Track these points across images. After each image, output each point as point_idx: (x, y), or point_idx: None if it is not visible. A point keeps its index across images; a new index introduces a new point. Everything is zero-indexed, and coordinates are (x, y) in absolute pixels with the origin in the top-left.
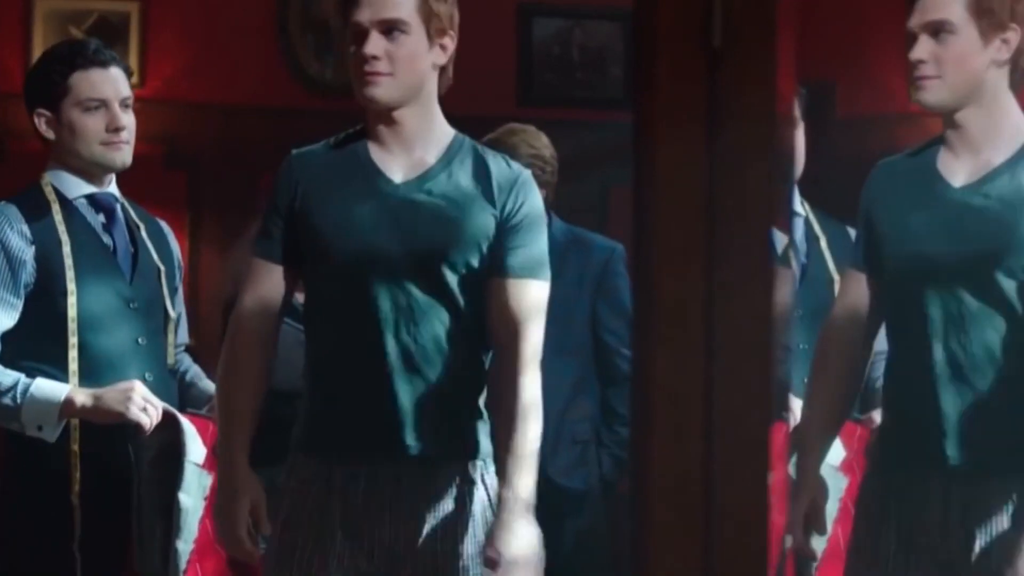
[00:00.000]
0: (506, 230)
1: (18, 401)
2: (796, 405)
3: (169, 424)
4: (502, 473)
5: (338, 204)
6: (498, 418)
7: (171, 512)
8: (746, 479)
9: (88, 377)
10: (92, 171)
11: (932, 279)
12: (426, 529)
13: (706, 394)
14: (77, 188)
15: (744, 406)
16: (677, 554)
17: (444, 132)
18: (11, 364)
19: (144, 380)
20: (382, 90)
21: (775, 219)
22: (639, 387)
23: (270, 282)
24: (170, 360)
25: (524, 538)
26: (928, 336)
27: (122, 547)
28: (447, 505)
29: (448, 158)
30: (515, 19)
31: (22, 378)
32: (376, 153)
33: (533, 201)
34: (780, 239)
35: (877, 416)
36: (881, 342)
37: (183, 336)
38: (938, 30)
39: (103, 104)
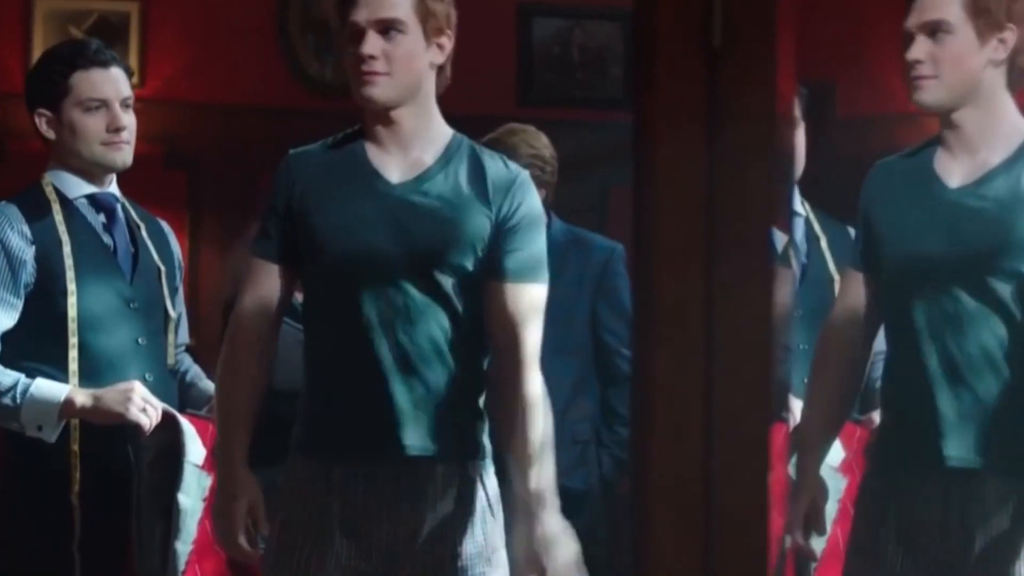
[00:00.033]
0: (503, 233)
1: (18, 401)
2: (796, 405)
3: (169, 425)
4: (517, 475)
5: (335, 204)
6: (502, 420)
7: (170, 513)
8: (746, 479)
9: (88, 377)
10: (93, 171)
11: (929, 280)
12: (425, 529)
13: (706, 394)
14: (78, 188)
15: (744, 406)
16: (677, 554)
17: (442, 132)
18: (11, 364)
19: (144, 380)
20: (379, 90)
21: (775, 219)
22: (639, 387)
23: (269, 282)
24: (170, 360)
25: (563, 542)
26: (925, 336)
27: (122, 547)
28: (446, 505)
29: (446, 159)
30: (515, 19)
31: (22, 378)
32: (373, 153)
33: (531, 202)
34: (780, 239)
35: (877, 417)
36: (881, 342)
37: (183, 336)
38: (935, 30)
39: (104, 104)
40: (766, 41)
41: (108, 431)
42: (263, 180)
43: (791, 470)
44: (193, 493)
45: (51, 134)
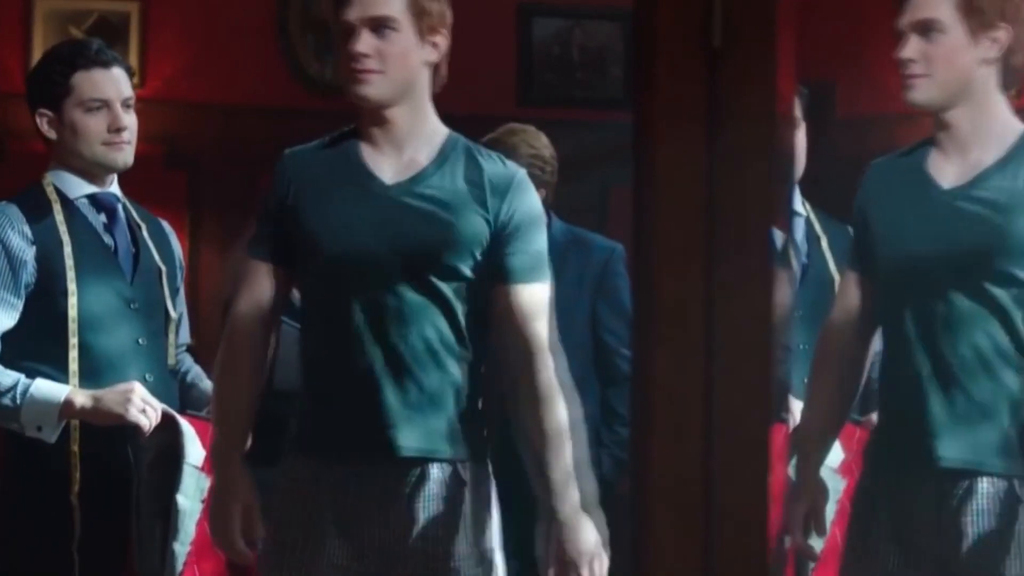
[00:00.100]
0: (504, 235)
1: (18, 402)
2: (796, 405)
3: (168, 426)
4: (533, 465)
5: (329, 205)
6: (519, 412)
7: (170, 513)
8: (746, 479)
9: (88, 378)
10: (94, 171)
11: (922, 281)
12: (418, 529)
13: (706, 394)
14: (79, 188)
15: (744, 406)
16: (677, 554)
17: (437, 131)
18: (11, 364)
19: (144, 381)
20: (372, 88)
21: (775, 219)
22: (639, 387)
23: (265, 283)
24: (171, 361)
25: (584, 528)
26: (918, 338)
27: (121, 548)
28: (440, 506)
29: (441, 159)
30: (515, 19)
31: (22, 379)
32: (367, 154)
33: (530, 202)
34: (780, 239)
35: (876, 418)
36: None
37: (184, 336)
38: (927, 29)
39: (105, 104)
40: (766, 41)
41: (108, 432)
42: (263, 180)
43: (791, 471)
44: (192, 494)
45: (52, 134)
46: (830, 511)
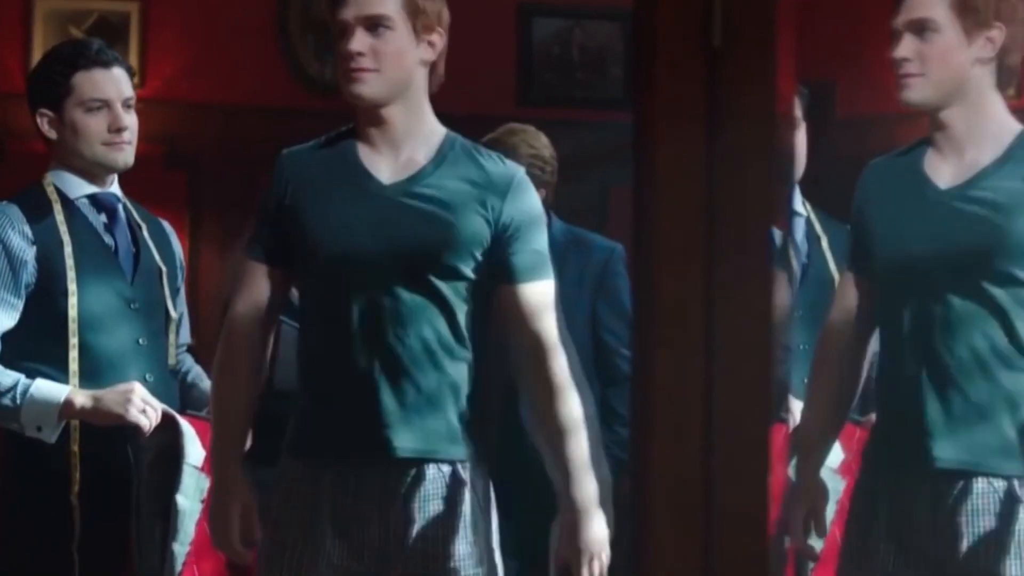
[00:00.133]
0: (505, 235)
1: (18, 402)
2: (796, 406)
3: (168, 426)
4: (548, 453)
5: (327, 205)
6: (532, 406)
7: (169, 514)
8: (746, 479)
9: (88, 378)
10: (94, 171)
11: (919, 281)
12: (415, 530)
13: (706, 394)
14: (79, 188)
15: (744, 406)
16: (677, 554)
17: (434, 131)
18: (11, 364)
19: (145, 381)
20: (367, 87)
21: (775, 219)
22: (639, 387)
23: (262, 284)
24: (171, 361)
25: (596, 519)
26: (915, 338)
27: (121, 548)
28: (437, 506)
29: (439, 159)
30: (515, 19)
31: (22, 379)
32: (365, 154)
33: (530, 201)
34: (780, 239)
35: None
36: None
37: (185, 336)
38: (922, 28)
39: (105, 104)
40: (766, 41)
41: (108, 432)
42: (263, 180)
43: (791, 472)
44: (191, 494)
45: (53, 134)
46: (830, 511)
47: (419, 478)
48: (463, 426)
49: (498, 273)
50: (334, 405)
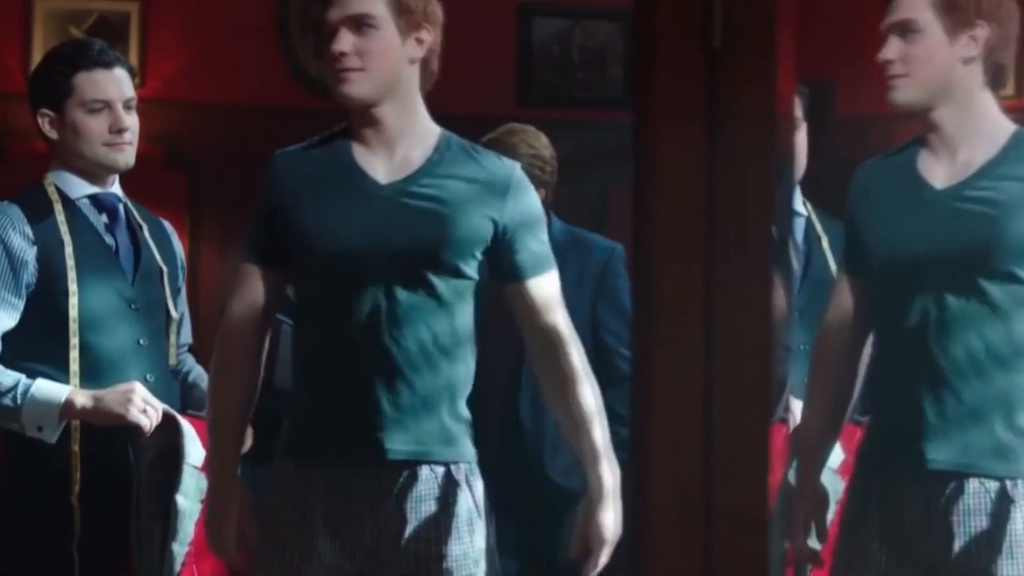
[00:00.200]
0: (507, 234)
1: (18, 402)
2: (796, 406)
3: (169, 426)
4: (581, 457)
5: (322, 205)
6: (549, 396)
7: (169, 514)
8: (746, 479)
9: (89, 378)
10: (95, 171)
11: (914, 282)
12: (409, 531)
13: (706, 394)
14: (80, 188)
15: (744, 406)
16: (677, 554)
17: (429, 130)
18: (12, 364)
19: (145, 381)
20: (355, 86)
21: (775, 219)
22: (639, 387)
23: (257, 286)
24: (172, 361)
25: (612, 504)
26: (910, 339)
27: (121, 548)
28: (431, 507)
29: (436, 158)
30: (515, 19)
31: (23, 379)
32: (359, 154)
33: (529, 199)
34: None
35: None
36: None
37: (186, 336)
38: (906, 29)
39: (107, 105)
40: (766, 41)
41: (108, 432)
42: (263, 180)
43: (791, 475)
44: (191, 495)
45: (54, 134)
46: (830, 513)
47: (412, 479)
48: (459, 427)
49: (503, 272)
50: (328, 406)
